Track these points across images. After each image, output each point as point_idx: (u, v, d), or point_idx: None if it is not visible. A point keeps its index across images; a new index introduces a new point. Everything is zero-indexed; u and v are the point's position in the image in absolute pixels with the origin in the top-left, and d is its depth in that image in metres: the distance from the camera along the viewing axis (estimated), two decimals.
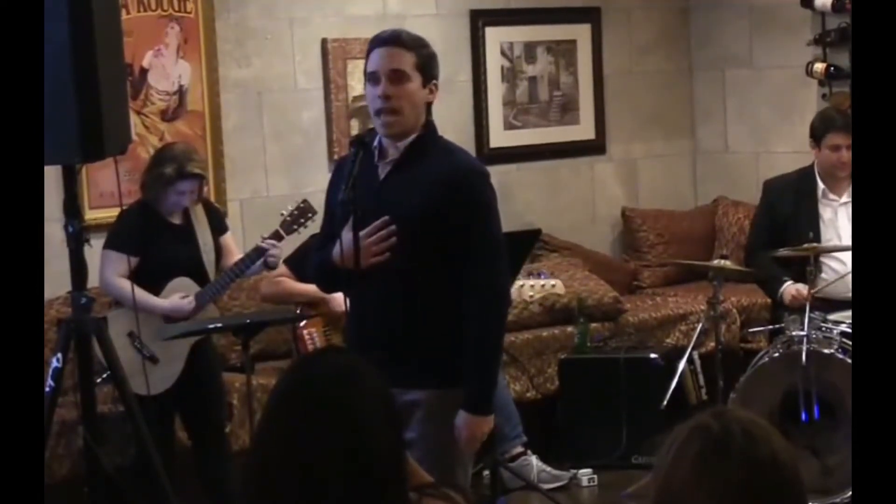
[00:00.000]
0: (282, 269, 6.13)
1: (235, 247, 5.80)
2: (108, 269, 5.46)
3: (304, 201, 5.77)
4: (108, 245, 5.50)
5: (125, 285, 5.26)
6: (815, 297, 5.89)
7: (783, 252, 5.95)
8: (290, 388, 2.28)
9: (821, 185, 6.17)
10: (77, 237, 4.46)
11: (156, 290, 5.50)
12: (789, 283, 6.07)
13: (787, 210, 6.20)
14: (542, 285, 6.31)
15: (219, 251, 5.70)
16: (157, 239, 5.53)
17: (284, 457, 2.19)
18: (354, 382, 2.25)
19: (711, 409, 2.10)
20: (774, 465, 2.00)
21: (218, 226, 5.74)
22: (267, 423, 2.27)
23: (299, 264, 6.04)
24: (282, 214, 5.75)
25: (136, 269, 5.36)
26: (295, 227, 5.72)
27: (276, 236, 5.66)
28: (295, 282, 6.08)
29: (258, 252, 5.60)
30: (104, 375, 5.03)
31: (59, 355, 4.48)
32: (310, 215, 5.70)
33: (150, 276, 5.48)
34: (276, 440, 2.22)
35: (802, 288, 5.92)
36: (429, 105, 4.11)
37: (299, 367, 2.38)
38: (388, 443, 2.23)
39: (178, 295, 5.49)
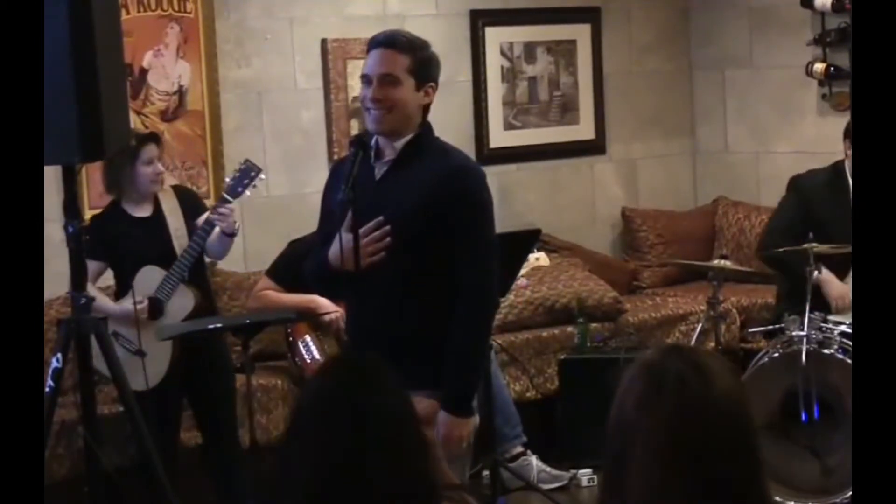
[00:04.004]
0: (265, 282, 6.10)
1: None
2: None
3: (246, 161, 5.67)
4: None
5: (92, 291, 5.22)
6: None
7: (817, 248, 5.82)
8: (323, 394, 2.26)
9: (851, 182, 6.07)
10: (77, 237, 4.46)
11: (129, 283, 5.47)
12: (826, 272, 5.90)
13: (825, 209, 6.02)
14: (527, 260, 6.31)
15: None
16: (126, 237, 5.49)
17: (320, 462, 2.18)
18: (384, 386, 2.26)
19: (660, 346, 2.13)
20: (715, 400, 2.03)
21: (192, 209, 5.64)
22: (298, 428, 2.25)
23: (281, 274, 6.01)
24: (224, 180, 5.69)
25: (112, 267, 5.44)
26: (240, 189, 5.58)
27: (222, 202, 5.54)
28: (280, 293, 6.05)
29: (209, 224, 5.48)
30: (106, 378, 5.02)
31: (59, 355, 4.47)
32: (253, 175, 5.58)
33: (123, 273, 5.50)
34: (312, 447, 2.20)
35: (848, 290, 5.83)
36: (426, 107, 4.11)
37: (330, 373, 2.36)
38: (421, 443, 2.23)
39: (129, 301, 5.39)
